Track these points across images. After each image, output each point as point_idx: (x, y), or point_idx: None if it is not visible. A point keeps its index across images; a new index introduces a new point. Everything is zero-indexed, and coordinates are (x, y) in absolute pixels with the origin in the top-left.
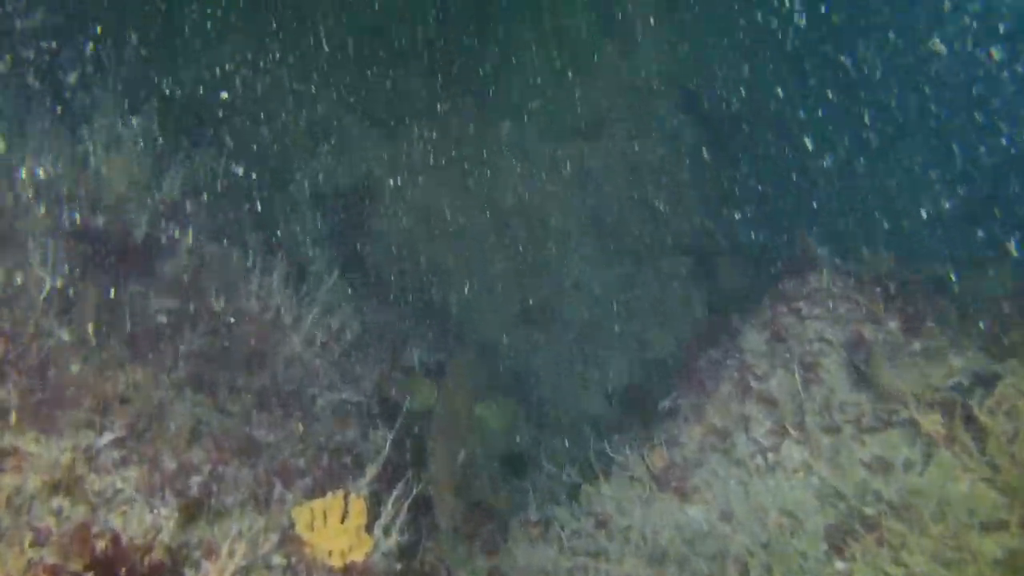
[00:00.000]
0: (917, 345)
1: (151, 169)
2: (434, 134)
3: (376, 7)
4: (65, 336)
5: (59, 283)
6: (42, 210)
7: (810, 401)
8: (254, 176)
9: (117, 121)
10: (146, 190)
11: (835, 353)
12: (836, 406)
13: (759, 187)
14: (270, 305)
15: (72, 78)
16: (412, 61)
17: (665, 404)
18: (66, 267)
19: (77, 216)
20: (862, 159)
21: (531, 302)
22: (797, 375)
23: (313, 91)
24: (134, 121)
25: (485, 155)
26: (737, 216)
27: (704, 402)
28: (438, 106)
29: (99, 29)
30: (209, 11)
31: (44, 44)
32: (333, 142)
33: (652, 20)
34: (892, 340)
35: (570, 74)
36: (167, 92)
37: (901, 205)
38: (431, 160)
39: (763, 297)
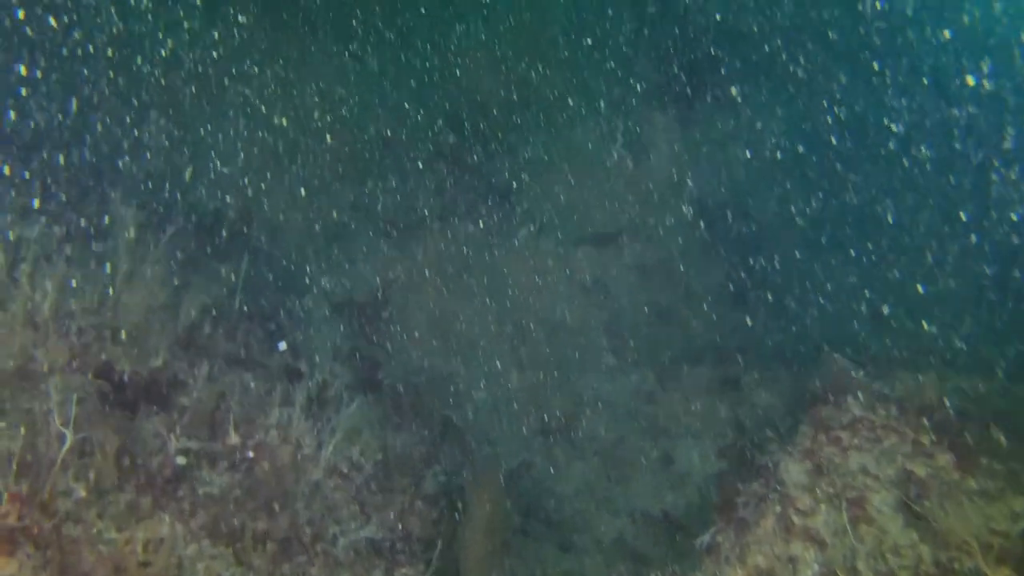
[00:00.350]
0: (973, 483)
1: (171, 292)
2: (449, 242)
3: (391, 115)
4: (82, 492)
5: (78, 435)
6: (61, 343)
7: (860, 542)
8: (272, 294)
9: (139, 243)
10: (165, 314)
11: (883, 490)
12: (890, 549)
13: (779, 292)
14: (290, 436)
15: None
16: (427, 169)
17: (704, 539)
18: (85, 412)
19: (96, 349)
20: (885, 260)
21: (550, 417)
22: (844, 512)
23: (329, 199)
24: (155, 244)
25: (501, 264)
26: (759, 323)
27: (746, 540)
28: (453, 214)
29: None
30: (225, 122)
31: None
32: (348, 251)
33: (666, 131)
34: (944, 477)
35: (586, 183)
36: (189, 210)
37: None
38: (446, 269)
39: (799, 423)
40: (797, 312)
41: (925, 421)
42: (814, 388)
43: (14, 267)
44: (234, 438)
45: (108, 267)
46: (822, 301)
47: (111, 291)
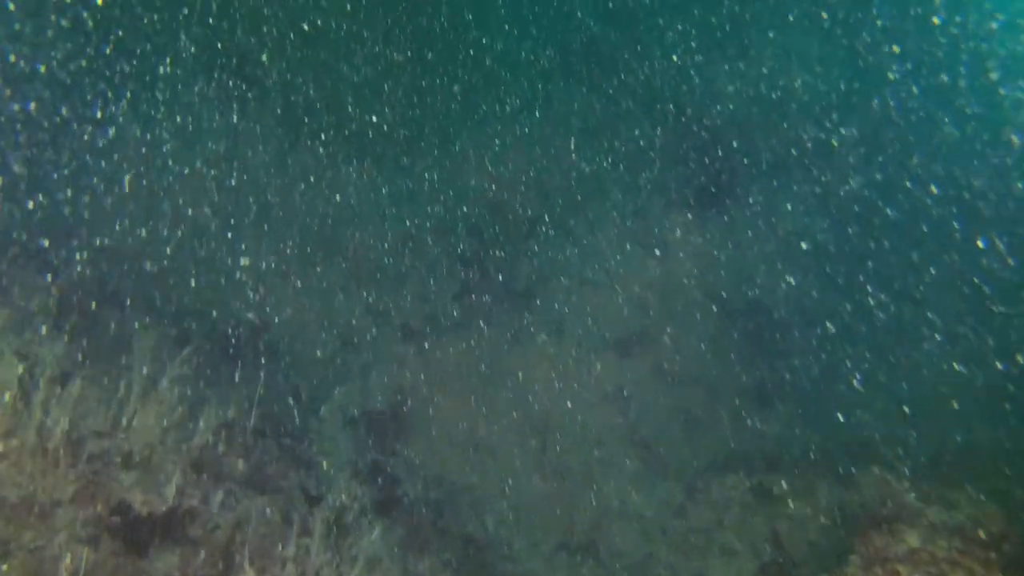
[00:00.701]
0: None
1: (185, 409)
2: (468, 348)
3: (410, 219)
4: None
5: None
6: (71, 473)
7: None
8: (288, 405)
9: (155, 361)
10: (179, 434)
11: None
12: None
13: (808, 393)
14: (308, 570)
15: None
16: (446, 273)
17: None
18: (94, 555)
19: (107, 477)
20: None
21: (574, 529)
22: None
23: (345, 305)
24: (172, 361)
25: (521, 370)
26: (789, 427)
27: None
28: (472, 319)
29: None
30: (244, 230)
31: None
32: (365, 359)
33: (685, 232)
34: None
35: (606, 286)
36: (205, 323)
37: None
38: (465, 376)
39: (848, 549)
40: (827, 414)
41: (993, 555)
42: (857, 504)
43: (28, 389)
44: (249, 574)
45: (123, 386)
46: (852, 401)
47: (125, 412)
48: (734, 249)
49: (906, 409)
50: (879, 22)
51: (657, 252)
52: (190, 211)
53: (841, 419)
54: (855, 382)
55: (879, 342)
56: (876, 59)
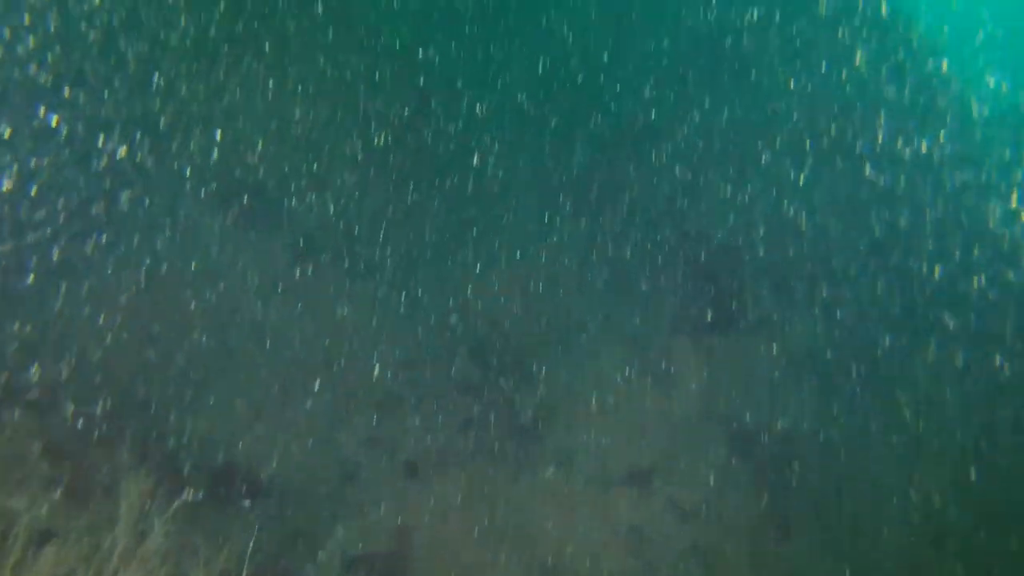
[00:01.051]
0: None
1: (172, 565)
2: (472, 483)
3: (410, 346)
4: None
5: None
6: None
7: None
8: (282, 546)
9: (143, 515)
10: None
11: None
12: None
13: (827, 519)
14: None
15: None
16: (449, 404)
17: None
18: None
19: None
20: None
21: None
22: None
23: (344, 438)
24: (160, 515)
25: (528, 506)
26: (812, 559)
27: None
28: (477, 453)
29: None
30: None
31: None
32: (365, 495)
33: (694, 359)
34: None
35: (614, 417)
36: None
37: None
38: (471, 513)
39: None
40: (853, 543)
41: None
42: None
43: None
44: None
45: (106, 544)
46: (880, 527)
47: (106, 573)
48: (744, 375)
49: (942, 536)
50: (881, 139)
51: (666, 380)
52: (180, 344)
53: (868, 549)
54: (883, 507)
55: (903, 462)
56: (879, 175)
